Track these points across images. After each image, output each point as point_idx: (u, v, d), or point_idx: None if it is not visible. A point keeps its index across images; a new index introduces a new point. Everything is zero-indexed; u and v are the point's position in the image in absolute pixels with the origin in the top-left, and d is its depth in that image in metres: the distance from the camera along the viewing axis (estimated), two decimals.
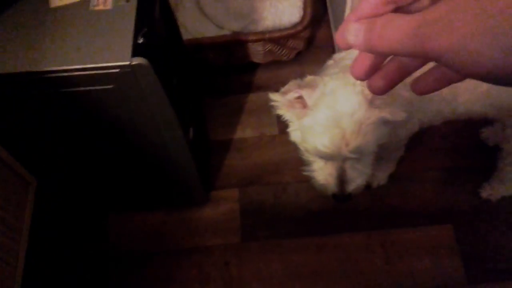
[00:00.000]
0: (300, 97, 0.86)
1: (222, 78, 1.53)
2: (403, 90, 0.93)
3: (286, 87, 0.90)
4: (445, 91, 0.99)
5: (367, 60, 0.31)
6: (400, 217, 1.28)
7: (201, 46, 1.37)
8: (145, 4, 0.86)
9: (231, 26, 1.48)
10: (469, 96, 1.00)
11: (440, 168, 1.34)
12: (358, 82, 0.83)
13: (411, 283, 1.19)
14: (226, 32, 1.48)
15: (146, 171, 1.14)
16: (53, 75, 0.79)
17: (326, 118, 0.81)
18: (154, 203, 1.33)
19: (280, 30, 1.39)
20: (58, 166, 1.09)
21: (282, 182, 1.35)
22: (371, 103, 0.81)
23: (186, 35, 1.49)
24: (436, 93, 1.00)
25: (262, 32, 1.38)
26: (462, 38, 0.23)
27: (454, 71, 0.25)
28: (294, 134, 0.91)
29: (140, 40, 0.81)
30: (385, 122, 0.85)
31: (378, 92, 0.33)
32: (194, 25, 1.51)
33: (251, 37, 1.37)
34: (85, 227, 1.31)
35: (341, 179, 0.86)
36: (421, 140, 1.33)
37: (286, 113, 0.89)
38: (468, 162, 1.35)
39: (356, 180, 0.87)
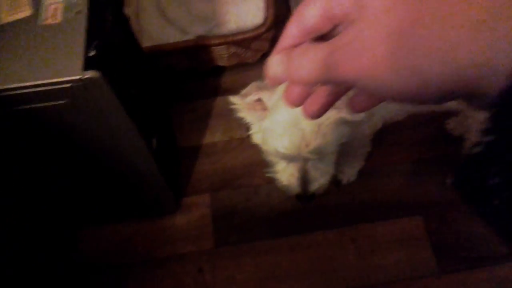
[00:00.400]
0: (260, 100, 0.86)
1: (189, 83, 1.52)
2: None
3: (246, 89, 0.91)
4: None
5: (296, 88, 0.31)
6: (370, 212, 1.29)
7: (164, 52, 1.36)
8: (96, 15, 0.84)
9: (195, 30, 1.47)
10: None
11: (408, 161, 1.35)
12: None
13: (383, 276, 1.20)
14: (190, 36, 1.46)
15: (111, 183, 1.12)
16: (4, 93, 0.78)
17: (285, 120, 0.82)
18: (124, 214, 1.31)
19: (243, 32, 1.39)
20: (18, 183, 1.07)
21: (253, 184, 1.35)
22: None
23: (150, 42, 1.47)
24: None
25: (225, 35, 1.38)
26: (368, 63, 0.23)
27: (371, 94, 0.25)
28: (256, 137, 0.92)
29: (92, 53, 0.80)
30: (344, 121, 0.86)
31: (313, 117, 0.32)
32: (158, 31, 1.50)
33: (214, 41, 1.36)
34: (53, 242, 1.29)
35: (304, 179, 0.87)
36: (387, 134, 1.34)
37: (247, 115, 0.90)
38: (435, 153, 1.36)
39: (319, 180, 0.88)
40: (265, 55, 1.52)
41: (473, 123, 1.11)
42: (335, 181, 1.34)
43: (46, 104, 0.81)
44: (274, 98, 0.85)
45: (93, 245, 1.29)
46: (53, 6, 0.86)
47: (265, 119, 0.86)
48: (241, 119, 0.93)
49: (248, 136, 1.39)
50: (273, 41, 1.56)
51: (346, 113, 0.83)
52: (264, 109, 0.87)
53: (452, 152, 1.32)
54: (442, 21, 0.20)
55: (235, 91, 1.46)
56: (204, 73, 1.51)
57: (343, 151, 1.19)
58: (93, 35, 0.81)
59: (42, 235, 1.29)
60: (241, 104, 0.89)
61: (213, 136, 1.43)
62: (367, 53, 0.23)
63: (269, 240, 1.27)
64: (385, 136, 1.34)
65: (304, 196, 0.89)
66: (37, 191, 1.12)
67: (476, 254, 1.22)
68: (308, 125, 0.80)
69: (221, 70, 1.52)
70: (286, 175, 0.89)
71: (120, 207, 1.27)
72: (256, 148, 1.38)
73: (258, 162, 1.37)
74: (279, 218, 1.30)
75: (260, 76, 1.49)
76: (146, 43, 1.47)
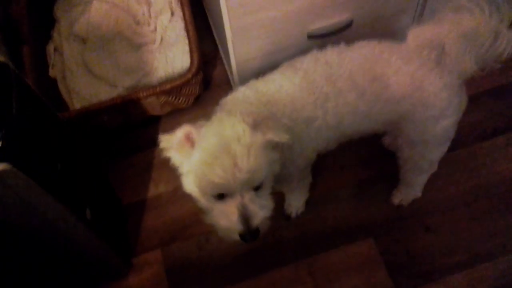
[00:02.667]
0: (188, 137, 0.84)
1: (124, 137, 1.49)
2: (284, 118, 0.96)
3: (177, 130, 0.88)
4: (330, 118, 1.02)
5: None
6: (322, 241, 1.30)
7: (95, 112, 1.34)
8: None
9: (124, 82, 1.46)
10: (352, 117, 1.04)
11: (351, 184, 1.37)
12: (239, 114, 0.85)
13: None
14: (120, 89, 1.45)
15: (53, 258, 1.08)
16: None
17: (214, 146, 0.81)
18: (76, 285, 1.26)
19: (171, 81, 1.38)
20: None
21: (203, 232, 1.33)
22: (254, 128, 0.82)
23: (80, 102, 1.45)
24: (322, 123, 1.04)
25: (153, 87, 1.37)
26: None
27: None
28: (186, 181, 0.89)
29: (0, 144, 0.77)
30: (273, 147, 0.86)
31: None
32: (87, 89, 1.47)
33: (142, 94, 1.35)
34: None
35: (244, 216, 0.84)
36: (325, 162, 1.36)
37: (175, 155, 0.87)
38: (377, 172, 1.39)
39: (259, 214, 0.86)
40: (198, 98, 1.52)
41: (402, 142, 1.13)
42: (284, 216, 1.34)
43: None
44: (202, 131, 0.83)
45: None
46: None
47: (194, 152, 0.83)
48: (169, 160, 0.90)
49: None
50: (206, 82, 1.56)
51: (271, 135, 0.83)
52: (192, 146, 0.84)
53: (391, 169, 1.35)
54: None
55: None
56: (137, 125, 1.48)
57: (284, 184, 1.19)
58: None
59: None
60: (170, 141, 0.85)
61: (157, 188, 1.41)
62: None
63: (227, 286, 1.25)
64: (324, 164, 1.35)
65: (248, 233, 0.85)
66: None
67: (428, 267, 1.25)
68: (237, 149, 0.79)
69: (155, 119, 1.51)
70: (224, 215, 0.86)
71: (70, 278, 1.22)
72: None
73: None
74: (234, 262, 1.29)
75: (198, 117, 1.49)
76: (76, 104, 1.44)
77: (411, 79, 0.97)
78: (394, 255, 1.26)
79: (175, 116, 1.51)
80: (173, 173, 1.41)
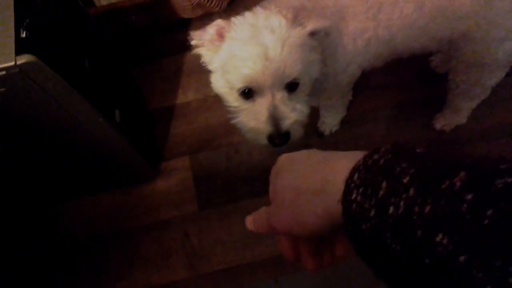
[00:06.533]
0: (221, 33, 0.77)
1: (154, 40, 1.41)
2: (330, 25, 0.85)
3: (209, 25, 0.81)
4: (381, 31, 0.92)
5: (285, 242, 0.44)
6: None
7: (122, 11, 1.25)
8: None
9: None
10: (407, 32, 0.93)
11: (390, 105, 1.29)
12: (274, 6, 0.76)
13: None
14: None
15: (81, 159, 1.07)
16: None
17: (245, 37, 0.73)
18: (101, 186, 1.27)
19: None
20: None
21: (233, 143, 1.30)
22: (293, 22, 0.74)
23: (103, 1, 1.35)
24: (372, 35, 0.94)
25: None
26: (279, 218, 0.40)
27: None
28: (215, 78, 0.81)
29: (23, 34, 0.71)
30: (313, 47, 0.78)
31: (315, 270, 0.43)
32: None
33: None
34: (31, 220, 1.27)
35: (274, 116, 0.76)
36: (368, 80, 1.27)
37: (206, 52, 0.80)
38: (419, 94, 1.30)
39: (291, 115, 0.77)
40: (232, 1, 1.40)
41: (457, 64, 1.03)
42: (318, 132, 1.29)
43: None
44: (235, 24, 0.76)
45: (73, 219, 1.26)
46: None
47: (224, 45, 0.76)
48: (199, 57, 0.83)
49: None
50: None
51: (310, 26, 0.74)
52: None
53: (435, 93, 1.25)
54: (304, 200, 0.36)
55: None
56: (166, 29, 1.39)
57: (322, 99, 1.12)
58: (23, 14, 0.72)
59: (18, 214, 1.26)
60: (202, 37, 0.78)
61: (186, 95, 1.36)
62: (278, 215, 0.40)
63: (253, 199, 1.25)
64: (365, 83, 1.26)
65: (278, 135, 0.77)
66: (8, 172, 1.07)
67: None
68: (270, 41, 0.71)
69: (186, 23, 1.41)
70: (253, 116, 0.78)
71: (96, 179, 1.23)
72: None
73: None
74: (262, 175, 1.26)
75: None
76: (102, 1, 1.35)
77: None
78: None
79: (207, 21, 1.40)
80: (202, 81, 1.36)
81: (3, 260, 1.18)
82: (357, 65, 0.99)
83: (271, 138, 0.78)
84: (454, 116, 1.22)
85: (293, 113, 0.78)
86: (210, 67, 0.82)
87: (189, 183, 1.27)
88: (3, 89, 0.74)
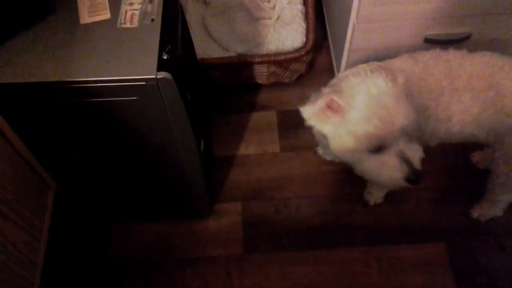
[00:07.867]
0: (330, 105, 0.91)
1: (227, 97, 1.60)
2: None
3: (312, 98, 0.96)
4: (441, 111, 1.07)
5: None
6: (395, 235, 1.34)
7: (210, 66, 1.45)
8: (168, 23, 0.93)
9: (236, 48, 1.56)
10: (462, 117, 1.08)
11: (433, 189, 1.41)
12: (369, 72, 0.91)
13: None
14: (231, 53, 1.55)
15: (158, 180, 1.19)
16: (84, 85, 0.85)
17: (366, 103, 0.87)
18: (159, 214, 1.37)
19: (285, 53, 1.47)
20: (76, 172, 1.14)
21: (283, 197, 1.41)
22: (393, 81, 0.89)
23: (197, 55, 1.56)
24: (432, 113, 1.09)
25: (268, 55, 1.46)
26: None
27: None
28: (339, 141, 0.94)
29: (165, 56, 0.88)
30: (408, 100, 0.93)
31: None
32: (201, 45, 1.59)
33: (256, 59, 1.45)
34: (89, 234, 1.35)
35: (406, 160, 0.90)
36: None
37: (318, 123, 0.94)
38: (459, 183, 1.42)
39: (418, 155, 0.92)
40: (301, 76, 1.60)
41: (500, 157, 1.16)
42: (363, 202, 1.39)
43: (118, 99, 0.89)
44: (344, 96, 0.89)
45: (126, 241, 1.34)
46: (130, 12, 0.94)
47: (345, 114, 0.89)
48: (310, 128, 0.98)
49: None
50: (310, 64, 1.64)
51: (402, 78, 0.91)
52: (335, 112, 0.90)
53: (475, 184, 1.37)
54: None
55: (270, 108, 1.56)
56: (241, 89, 1.59)
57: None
58: (166, 41, 0.89)
59: (83, 226, 1.34)
60: (312, 111, 0.92)
61: (247, 148, 1.50)
62: None
63: (296, 251, 1.32)
64: None
65: (413, 174, 0.90)
66: (91, 180, 1.19)
67: (495, 283, 1.26)
68: (388, 100, 0.86)
69: (257, 87, 1.60)
70: (385, 166, 0.91)
71: (159, 205, 1.33)
72: (287, 163, 1.46)
73: (289, 177, 1.44)
74: (307, 231, 1.35)
75: (295, 96, 1.58)
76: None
77: None
78: (464, 264, 1.29)
79: (275, 89, 1.60)
80: (263, 139, 1.52)
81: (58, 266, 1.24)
82: (416, 137, 1.13)
83: (408, 178, 0.91)
84: (491, 207, 1.32)
85: (418, 153, 0.93)
86: (327, 134, 0.95)
87: (238, 227, 1.36)
88: (135, 98, 0.89)
